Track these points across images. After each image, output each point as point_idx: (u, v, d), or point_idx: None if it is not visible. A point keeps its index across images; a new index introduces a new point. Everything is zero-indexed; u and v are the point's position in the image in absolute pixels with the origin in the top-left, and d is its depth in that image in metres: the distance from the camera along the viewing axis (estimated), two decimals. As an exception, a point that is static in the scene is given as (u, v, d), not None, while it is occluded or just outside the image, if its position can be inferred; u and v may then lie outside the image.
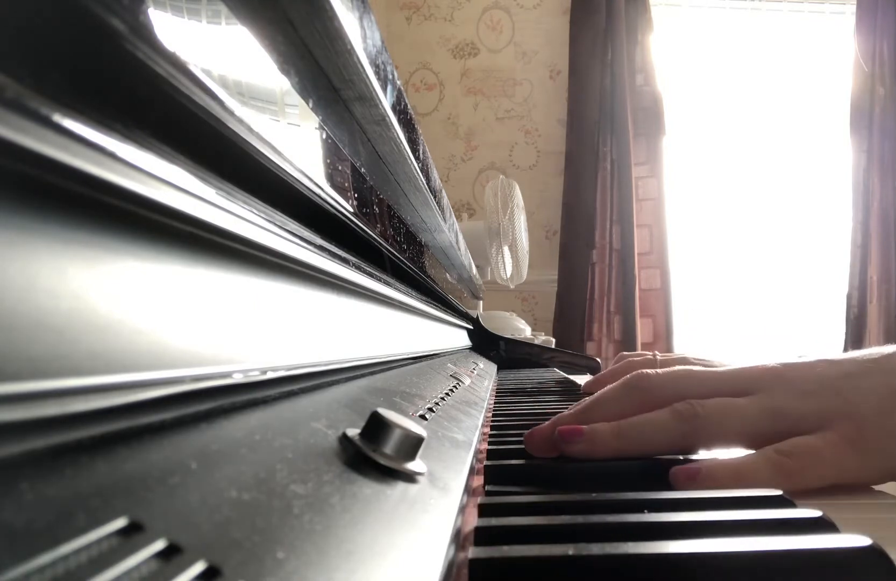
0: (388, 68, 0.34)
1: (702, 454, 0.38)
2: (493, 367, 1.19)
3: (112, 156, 0.14)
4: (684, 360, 0.58)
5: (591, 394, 0.44)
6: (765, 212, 2.80)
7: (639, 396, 0.40)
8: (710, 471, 0.34)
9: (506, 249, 1.92)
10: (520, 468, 0.36)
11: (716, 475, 0.34)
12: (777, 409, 0.37)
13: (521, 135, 2.79)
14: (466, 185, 2.78)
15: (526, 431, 0.40)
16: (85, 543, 0.10)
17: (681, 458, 0.37)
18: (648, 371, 0.41)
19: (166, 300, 0.17)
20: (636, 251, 2.64)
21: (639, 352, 0.67)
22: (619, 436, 0.37)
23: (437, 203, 0.58)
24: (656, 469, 0.36)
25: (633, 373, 0.42)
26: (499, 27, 2.81)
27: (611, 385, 0.43)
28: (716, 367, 0.42)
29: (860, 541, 0.21)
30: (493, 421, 0.54)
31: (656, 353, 0.69)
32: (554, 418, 0.40)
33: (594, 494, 0.29)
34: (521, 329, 1.80)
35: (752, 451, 0.36)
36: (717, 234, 2.81)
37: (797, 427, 0.36)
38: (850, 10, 2.69)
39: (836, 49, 2.76)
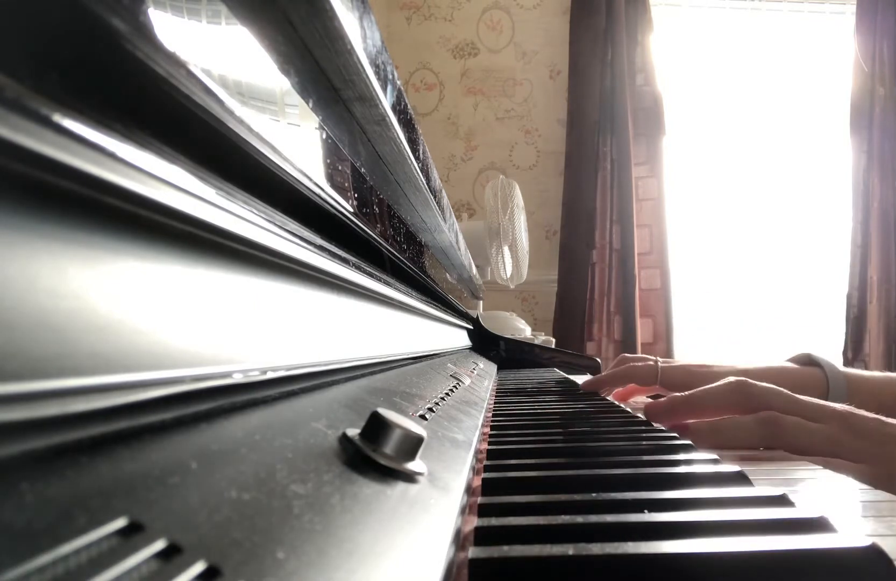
0: (388, 68, 0.34)
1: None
2: (493, 367, 1.19)
3: (112, 156, 0.14)
4: (686, 368, 0.74)
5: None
6: (765, 212, 2.80)
7: (737, 399, 0.53)
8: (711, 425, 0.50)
9: (506, 249, 1.92)
10: (516, 480, 0.36)
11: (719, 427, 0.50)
12: (835, 439, 0.48)
13: (521, 135, 2.79)
14: (466, 185, 2.78)
15: (526, 432, 0.40)
16: (85, 543, 0.10)
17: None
18: (750, 381, 0.54)
19: (166, 300, 0.17)
20: (636, 251, 2.64)
21: (639, 355, 0.74)
22: (715, 432, 0.50)
23: (437, 203, 0.58)
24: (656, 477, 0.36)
25: (738, 379, 0.55)
26: (499, 27, 2.81)
27: (714, 384, 0.56)
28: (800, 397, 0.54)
29: (860, 541, 0.21)
30: (493, 421, 0.54)
31: (658, 359, 0.78)
32: (669, 398, 0.56)
33: (594, 494, 0.29)
34: (521, 329, 1.80)
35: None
36: (717, 234, 2.81)
37: (847, 457, 0.46)
38: (850, 10, 2.69)
39: (836, 49, 2.76)
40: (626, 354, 0.75)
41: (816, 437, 0.49)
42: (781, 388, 0.55)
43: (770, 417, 0.50)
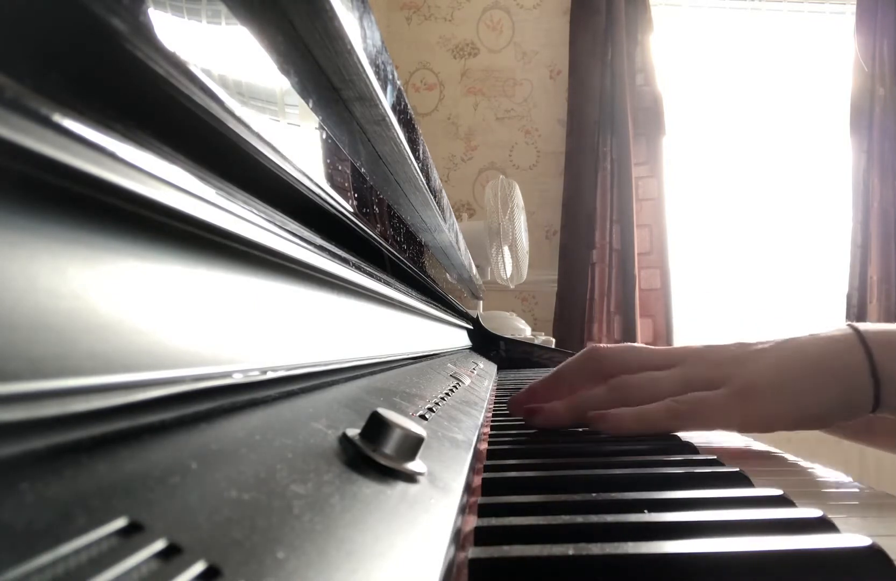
0: (388, 68, 0.34)
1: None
2: (493, 367, 1.19)
3: (112, 156, 0.14)
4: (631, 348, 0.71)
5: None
6: (765, 212, 2.80)
7: (589, 366, 0.52)
8: (618, 415, 0.45)
9: (506, 249, 1.92)
10: (516, 480, 0.36)
11: (622, 417, 0.45)
12: (689, 377, 0.47)
13: (521, 135, 2.79)
14: (466, 185, 2.78)
15: (526, 432, 0.41)
16: (85, 543, 0.10)
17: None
18: (599, 346, 0.54)
19: (166, 300, 0.17)
20: (636, 251, 2.64)
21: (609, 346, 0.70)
22: (571, 409, 0.49)
23: (437, 203, 0.58)
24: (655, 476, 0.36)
25: (588, 347, 0.54)
26: (499, 27, 2.81)
27: (571, 358, 0.54)
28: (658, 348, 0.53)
29: (860, 541, 0.21)
30: (493, 421, 0.54)
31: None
32: (529, 386, 0.53)
33: (594, 494, 0.29)
34: (521, 329, 1.80)
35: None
36: (717, 233, 2.81)
37: (700, 390, 0.45)
38: (850, 10, 2.69)
39: (836, 49, 2.76)
40: (596, 345, 0.60)
41: (665, 383, 0.47)
42: (635, 345, 0.53)
43: (618, 382, 0.48)
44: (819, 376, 0.44)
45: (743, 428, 0.46)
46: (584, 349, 0.54)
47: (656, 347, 0.52)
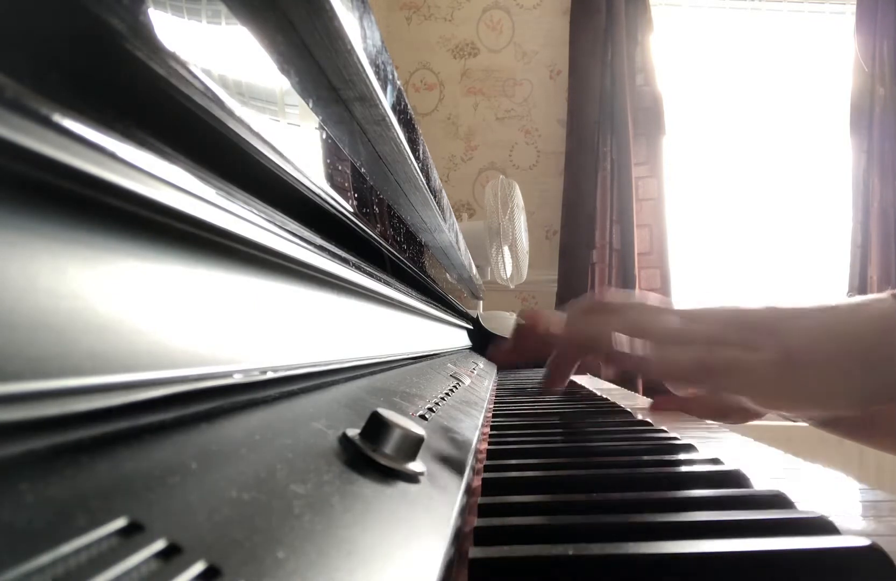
0: (388, 68, 0.34)
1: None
2: (493, 367, 1.19)
3: (112, 156, 0.14)
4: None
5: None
6: (765, 211, 2.80)
7: (596, 313, 0.46)
8: (639, 355, 0.39)
9: (506, 249, 1.92)
10: (516, 480, 0.36)
11: (647, 359, 0.39)
12: (713, 335, 0.41)
13: (521, 135, 2.79)
14: (466, 185, 2.78)
15: (526, 431, 0.40)
16: (85, 543, 0.10)
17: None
18: (605, 298, 0.47)
19: (166, 300, 0.17)
20: (636, 251, 2.64)
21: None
22: (573, 332, 0.43)
23: (437, 203, 0.58)
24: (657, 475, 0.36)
25: (591, 298, 0.47)
26: (499, 27, 2.81)
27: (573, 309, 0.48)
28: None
29: (860, 541, 0.21)
30: (493, 421, 0.54)
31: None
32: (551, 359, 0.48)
33: (594, 494, 0.29)
34: (521, 329, 1.79)
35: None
36: (717, 234, 2.81)
37: (731, 357, 0.40)
38: (850, 10, 2.69)
39: (836, 49, 2.76)
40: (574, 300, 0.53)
41: (689, 334, 0.41)
42: (649, 296, 0.47)
43: (635, 314, 0.42)
44: (869, 354, 0.39)
45: (775, 402, 0.40)
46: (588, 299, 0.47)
47: (677, 308, 0.46)
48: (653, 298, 0.47)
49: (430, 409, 0.38)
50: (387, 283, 0.47)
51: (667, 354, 0.39)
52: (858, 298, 0.41)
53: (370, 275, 0.41)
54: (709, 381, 0.39)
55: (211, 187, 0.19)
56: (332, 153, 0.32)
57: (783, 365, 0.39)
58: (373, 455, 0.22)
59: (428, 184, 0.52)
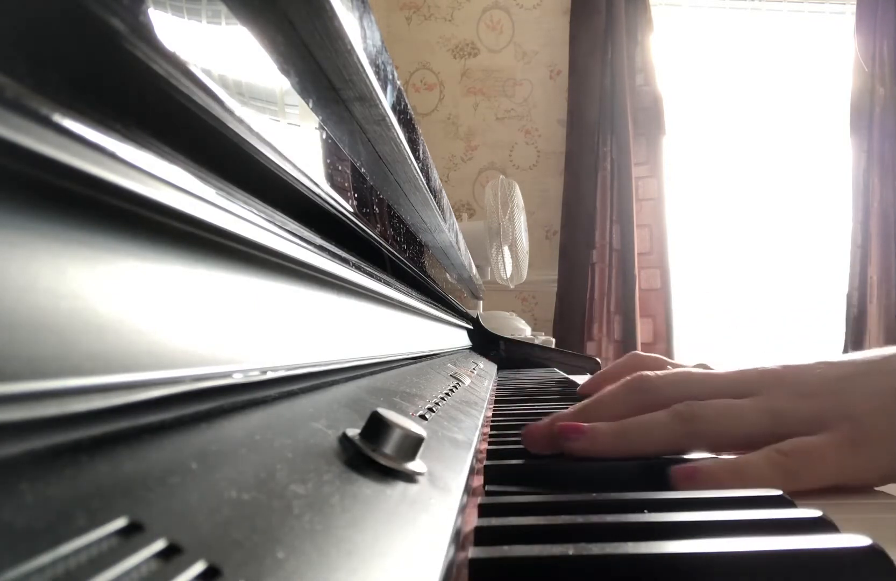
0: (388, 68, 0.34)
1: (702, 455, 0.37)
2: (493, 367, 1.19)
3: (112, 156, 0.14)
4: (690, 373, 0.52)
5: (590, 394, 0.43)
6: (765, 211, 2.80)
7: (639, 398, 0.39)
8: (709, 470, 0.34)
9: (506, 249, 1.92)
10: (520, 468, 0.36)
11: (715, 474, 0.34)
12: (775, 410, 0.37)
13: (521, 135, 2.79)
14: (466, 185, 2.78)
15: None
16: (85, 543, 0.10)
17: (682, 457, 0.36)
18: (649, 373, 0.41)
19: (166, 300, 0.17)
20: (636, 251, 2.64)
21: (653, 355, 0.55)
22: (619, 435, 0.37)
23: (437, 203, 0.58)
24: (656, 470, 0.36)
25: (635, 375, 0.41)
26: (499, 27, 2.81)
27: (611, 386, 0.42)
28: (719, 371, 0.41)
29: (860, 541, 0.21)
30: (493, 421, 0.54)
31: (668, 362, 0.58)
32: (553, 416, 0.39)
33: (594, 494, 0.29)
34: (521, 329, 1.80)
35: (753, 452, 0.36)
36: (717, 234, 2.81)
37: (796, 428, 0.36)
38: (850, 10, 2.69)
39: (836, 49, 2.76)
40: (639, 353, 0.53)
41: (748, 416, 0.36)
42: (691, 370, 0.42)
43: (687, 408, 0.37)
44: None
45: (855, 480, 0.35)
46: (628, 376, 0.41)
47: (714, 372, 0.41)
48: (696, 371, 0.42)
49: (430, 409, 0.38)
50: (387, 284, 0.47)
51: (740, 468, 0.34)
52: None
53: (370, 275, 0.41)
54: (789, 483, 0.33)
55: (211, 187, 0.19)
56: (332, 153, 0.32)
57: (858, 440, 0.34)
58: (373, 455, 0.22)
59: (428, 184, 0.52)
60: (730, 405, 0.37)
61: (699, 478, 0.34)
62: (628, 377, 0.41)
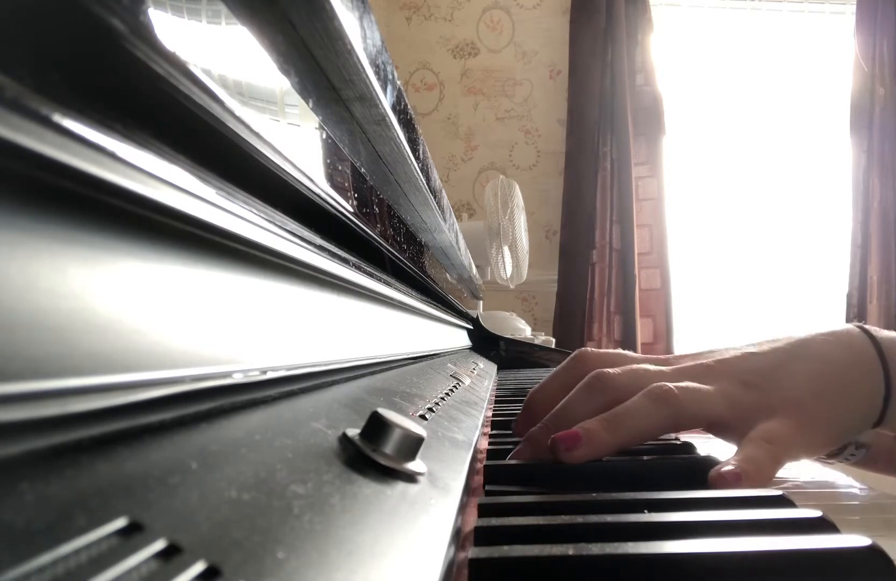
0: (388, 68, 0.34)
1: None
2: (493, 367, 1.19)
3: (112, 156, 0.14)
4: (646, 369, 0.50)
5: (540, 402, 0.44)
6: (765, 211, 2.80)
7: (604, 399, 0.40)
8: (745, 472, 0.35)
9: (506, 249, 1.92)
10: (520, 468, 0.36)
11: (748, 473, 0.35)
12: (730, 396, 0.40)
13: (521, 135, 2.79)
14: (466, 185, 2.78)
15: (525, 432, 0.40)
16: (85, 543, 0.10)
17: (721, 460, 0.37)
18: (608, 371, 0.42)
19: (166, 300, 0.17)
20: (636, 251, 2.64)
21: (599, 351, 0.55)
22: (611, 430, 0.37)
23: (437, 203, 0.58)
24: (656, 470, 0.36)
25: (594, 374, 0.42)
26: (499, 27, 2.81)
27: (573, 391, 0.42)
28: (666, 367, 0.45)
29: (860, 541, 0.21)
30: (493, 420, 0.54)
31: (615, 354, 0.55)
32: (532, 431, 0.40)
33: (594, 494, 0.29)
34: (521, 329, 1.80)
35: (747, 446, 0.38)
36: (718, 233, 2.81)
37: (749, 414, 0.40)
38: (850, 10, 2.69)
39: (836, 49, 2.76)
40: (585, 350, 0.49)
41: (713, 399, 0.40)
42: (642, 364, 0.44)
43: (665, 391, 0.39)
44: (850, 390, 0.40)
45: (804, 456, 0.40)
46: (587, 377, 0.42)
47: (663, 368, 0.44)
48: (640, 358, 0.45)
49: (431, 409, 0.38)
50: (387, 284, 0.47)
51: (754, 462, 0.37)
52: (822, 328, 0.43)
53: (370, 275, 0.41)
54: (777, 464, 0.37)
55: (211, 187, 0.19)
56: (332, 153, 0.32)
57: (803, 416, 0.39)
58: (373, 455, 0.22)
59: (428, 184, 0.52)
60: (698, 389, 0.40)
61: (744, 479, 0.35)
62: (587, 378, 0.42)
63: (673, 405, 0.38)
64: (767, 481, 0.36)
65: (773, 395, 0.41)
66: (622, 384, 0.41)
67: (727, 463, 0.36)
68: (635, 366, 0.44)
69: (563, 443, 0.37)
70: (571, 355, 0.47)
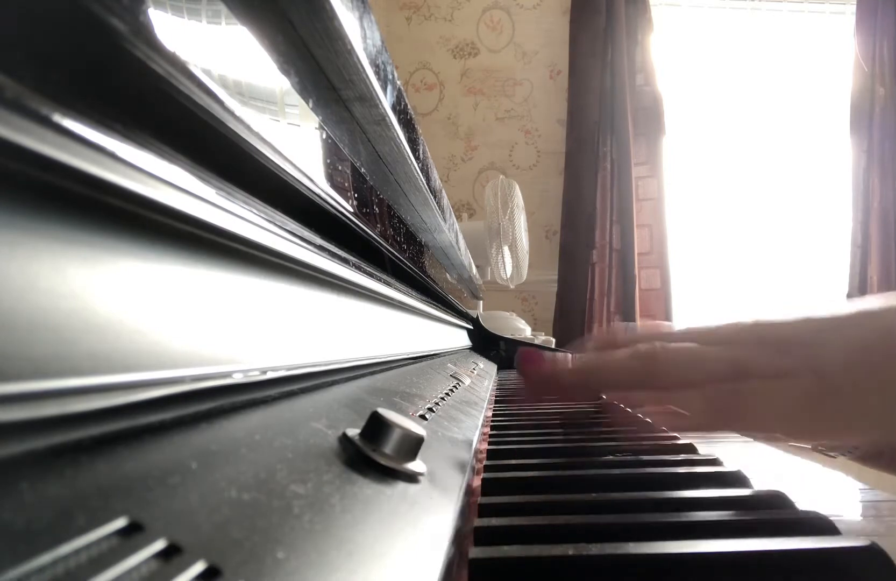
0: (388, 68, 0.34)
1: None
2: (493, 367, 1.19)
3: (112, 156, 0.14)
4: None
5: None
6: (765, 212, 2.80)
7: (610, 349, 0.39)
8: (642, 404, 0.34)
9: (506, 249, 1.92)
10: (516, 480, 0.36)
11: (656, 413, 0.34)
12: (737, 360, 0.36)
13: (521, 135, 2.79)
14: (466, 185, 2.78)
15: (526, 431, 0.40)
16: (85, 543, 0.10)
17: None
18: (620, 327, 0.40)
19: (166, 300, 0.17)
20: (636, 251, 2.64)
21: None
22: (581, 370, 0.37)
23: (437, 203, 0.58)
24: (655, 474, 0.36)
25: (644, 346, 0.39)
26: (499, 27, 2.81)
27: (619, 352, 0.40)
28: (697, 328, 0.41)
29: (860, 541, 0.21)
30: (493, 421, 0.54)
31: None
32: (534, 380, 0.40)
33: (594, 494, 0.29)
34: (521, 329, 1.80)
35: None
36: (718, 234, 2.81)
37: (754, 376, 0.35)
38: (850, 10, 2.69)
39: (836, 49, 2.76)
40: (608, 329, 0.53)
41: (707, 363, 0.36)
42: (662, 325, 0.42)
43: (648, 349, 0.37)
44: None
45: (807, 435, 0.34)
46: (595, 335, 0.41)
47: (694, 326, 0.40)
48: (664, 326, 0.42)
49: (431, 409, 0.38)
50: (387, 283, 0.47)
51: (686, 399, 0.34)
52: None
53: (370, 275, 0.41)
54: (722, 423, 0.33)
55: (211, 187, 0.19)
56: (332, 153, 0.32)
57: (817, 390, 0.33)
58: (373, 455, 0.22)
59: (428, 184, 0.52)
60: (692, 349, 0.37)
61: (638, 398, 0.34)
62: (638, 348, 0.40)
63: (650, 362, 0.36)
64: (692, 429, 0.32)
65: (796, 360, 0.35)
66: (630, 340, 0.39)
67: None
68: (683, 345, 0.40)
69: (524, 355, 0.37)
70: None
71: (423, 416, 0.35)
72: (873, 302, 0.36)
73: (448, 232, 0.71)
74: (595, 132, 2.67)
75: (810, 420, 0.33)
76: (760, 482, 0.32)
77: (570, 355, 0.40)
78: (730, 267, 2.80)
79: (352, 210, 0.34)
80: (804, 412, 0.33)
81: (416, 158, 0.45)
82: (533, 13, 2.80)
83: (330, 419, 0.24)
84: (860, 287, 2.61)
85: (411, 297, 0.59)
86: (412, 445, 0.23)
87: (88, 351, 0.13)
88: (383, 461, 0.22)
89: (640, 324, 0.55)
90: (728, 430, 0.32)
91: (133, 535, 0.11)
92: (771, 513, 0.26)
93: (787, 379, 0.34)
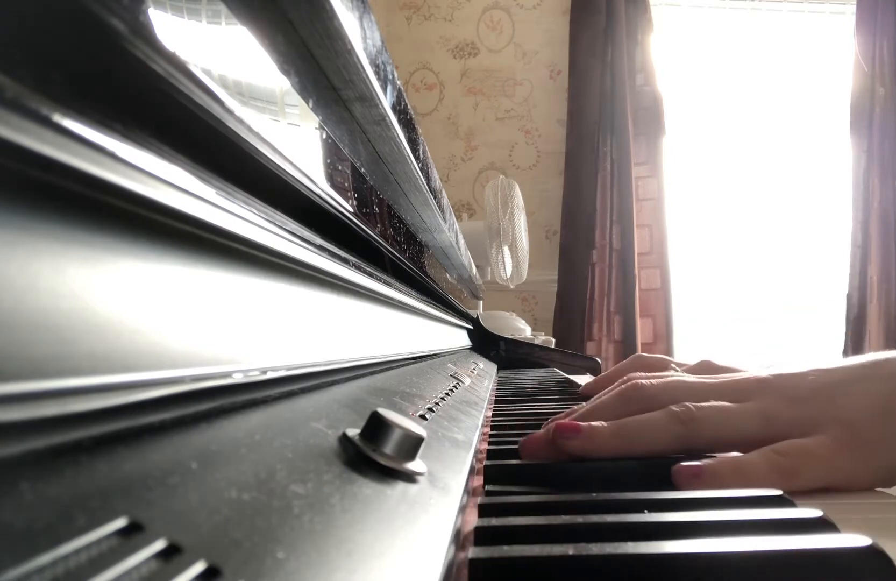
0: (388, 68, 0.34)
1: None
2: (493, 367, 1.19)
3: (112, 156, 0.14)
4: (706, 365, 0.52)
5: (591, 394, 0.45)
6: (765, 212, 2.80)
7: (634, 406, 0.40)
8: (713, 469, 0.34)
9: (506, 249, 1.92)
10: (520, 468, 0.36)
11: (719, 473, 0.34)
12: (768, 414, 0.37)
13: (521, 135, 2.79)
14: (466, 185, 2.78)
15: (526, 431, 0.40)
16: (85, 543, 0.10)
17: (682, 457, 0.37)
18: (643, 380, 0.42)
19: (166, 300, 0.17)
20: (636, 251, 2.64)
21: (656, 356, 0.56)
22: (617, 435, 0.37)
23: (437, 203, 0.58)
24: (657, 470, 0.36)
25: (628, 382, 0.42)
26: (499, 27, 2.81)
27: (605, 392, 0.43)
28: (714, 377, 0.43)
29: (860, 541, 0.21)
30: (493, 421, 0.54)
31: (671, 362, 0.59)
32: (547, 423, 0.40)
33: (594, 494, 0.29)
34: (521, 329, 1.80)
35: (751, 452, 0.36)
36: (718, 234, 2.81)
37: (787, 432, 0.36)
38: (850, 10, 2.69)
39: (836, 49, 2.76)
40: (643, 354, 0.55)
41: (743, 421, 0.37)
42: (684, 377, 0.44)
43: (685, 411, 0.37)
44: None
45: (849, 483, 0.35)
46: (622, 382, 0.42)
47: (708, 379, 0.42)
48: (688, 378, 0.42)
49: (430, 409, 0.38)
50: (387, 284, 0.47)
51: (741, 468, 0.35)
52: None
53: (370, 275, 0.41)
54: (785, 484, 0.33)
55: (211, 187, 0.19)
56: (332, 153, 0.32)
57: (849, 443, 0.35)
58: (373, 455, 0.22)
59: (428, 184, 0.52)
60: (724, 408, 0.38)
61: (704, 477, 0.34)
62: (622, 385, 0.42)
63: (687, 424, 0.37)
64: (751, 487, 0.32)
65: (821, 412, 0.37)
66: (653, 395, 0.40)
67: (698, 460, 0.35)
68: (674, 377, 0.43)
69: (561, 430, 0.37)
70: (630, 357, 0.47)
71: (423, 416, 0.35)
72: (879, 354, 0.39)
73: (448, 232, 0.71)
74: (595, 132, 2.67)
75: (852, 469, 0.35)
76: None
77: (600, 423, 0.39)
78: (730, 267, 2.80)
79: (352, 210, 0.34)
80: (845, 462, 0.35)
81: (416, 158, 0.45)
82: (533, 13, 2.80)
83: (330, 419, 0.24)
84: (860, 287, 2.61)
85: (411, 297, 0.59)
86: (412, 445, 0.23)
87: (88, 351, 0.13)
88: (383, 461, 0.22)
89: (668, 363, 0.56)
90: (789, 488, 0.32)
91: (133, 535, 0.11)
92: (770, 511, 0.26)
93: (822, 435, 0.36)
